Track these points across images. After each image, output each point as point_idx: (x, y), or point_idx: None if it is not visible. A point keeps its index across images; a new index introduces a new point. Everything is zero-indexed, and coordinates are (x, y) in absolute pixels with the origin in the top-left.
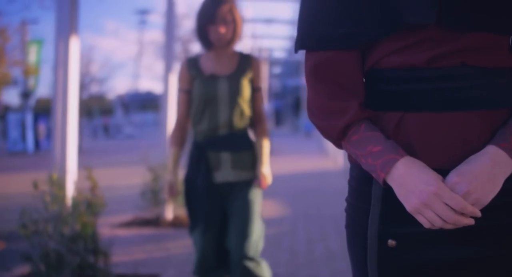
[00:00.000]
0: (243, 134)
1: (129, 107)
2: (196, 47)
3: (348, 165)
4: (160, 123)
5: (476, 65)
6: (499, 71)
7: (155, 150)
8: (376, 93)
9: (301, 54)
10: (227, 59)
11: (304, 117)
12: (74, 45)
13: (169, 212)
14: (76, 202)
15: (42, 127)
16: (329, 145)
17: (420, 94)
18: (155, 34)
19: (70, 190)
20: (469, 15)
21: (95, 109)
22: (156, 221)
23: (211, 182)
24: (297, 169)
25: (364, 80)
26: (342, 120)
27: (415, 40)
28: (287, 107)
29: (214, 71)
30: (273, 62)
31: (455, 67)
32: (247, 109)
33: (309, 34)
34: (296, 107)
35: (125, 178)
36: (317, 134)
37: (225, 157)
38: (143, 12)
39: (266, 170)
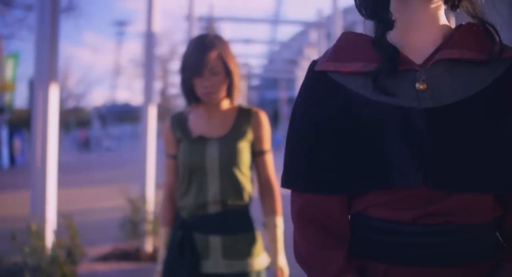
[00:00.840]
0: (239, 212)
1: (106, 119)
2: (175, 65)
3: None
4: (138, 136)
5: (461, 222)
6: (483, 225)
7: (135, 166)
8: (361, 239)
9: (278, 72)
10: (221, 117)
11: (280, 131)
12: (53, 65)
13: (149, 245)
14: (55, 254)
15: (17, 143)
16: None
17: (405, 248)
18: (133, 45)
19: (49, 241)
20: (454, 176)
21: (72, 121)
22: (135, 254)
23: (198, 274)
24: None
25: (350, 223)
26: (327, 273)
27: (401, 196)
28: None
29: (203, 132)
30: (251, 75)
31: (440, 224)
32: (245, 181)
33: (297, 174)
34: (274, 119)
35: (105, 199)
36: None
37: (215, 242)
38: (121, 23)
39: (282, 260)
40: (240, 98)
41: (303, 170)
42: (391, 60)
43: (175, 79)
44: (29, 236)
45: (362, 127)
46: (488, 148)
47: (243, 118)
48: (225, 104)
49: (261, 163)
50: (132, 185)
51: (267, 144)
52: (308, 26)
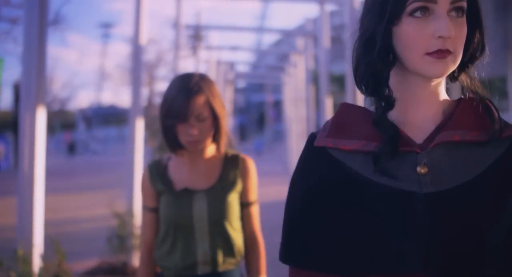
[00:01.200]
0: (230, 272)
1: (92, 121)
2: (161, 72)
3: None
4: (124, 139)
5: None
6: None
7: (121, 171)
8: None
9: (264, 78)
10: (207, 165)
11: (265, 133)
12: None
13: (136, 260)
14: None
15: (0, 147)
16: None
17: None
18: (119, 48)
19: (36, 266)
20: (456, 264)
21: (56, 124)
22: (122, 269)
23: None
24: (263, 199)
25: None
26: None
27: None
28: (251, 122)
29: (188, 183)
30: (237, 78)
31: None
32: (236, 237)
33: (296, 250)
34: (260, 122)
35: (92, 208)
36: (269, 151)
37: None
38: (106, 25)
39: None
40: (227, 101)
41: (302, 247)
42: (392, 142)
43: (162, 86)
44: (16, 261)
45: (362, 207)
46: (490, 233)
47: (231, 165)
48: (211, 150)
49: (247, 216)
50: (119, 192)
51: (254, 194)
52: (289, 34)
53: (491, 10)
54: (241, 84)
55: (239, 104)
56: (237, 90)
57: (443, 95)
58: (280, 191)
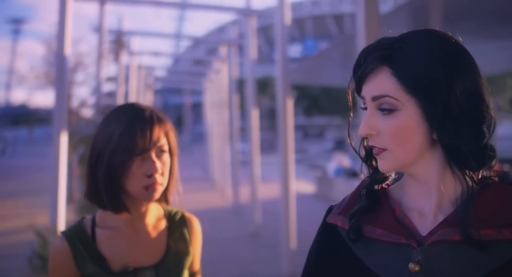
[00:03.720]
0: None
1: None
2: (79, 77)
3: (239, 201)
4: (35, 141)
5: None
6: None
7: (36, 176)
8: None
9: (181, 80)
10: (149, 230)
11: (183, 136)
12: None
13: None
14: None
15: None
16: (215, 173)
17: None
18: (31, 44)
19: None
20: None
21: None
22: None
23: None
24: (187, 207)
25: None
26: None
27: None
28: None
29: (128, 259)
30: (158, 81)
31: None
32: None
33: None
34: (178, 124)
35: (9, 218)
36: (188, 154)
37: None
38: (17, 21)
39: None
40: (146, 103)
41: None
42: (360, 211)
43: (80, 92)
44: None
45: None
46: None
47: (178, 229)
48: (153, 208)
49: None
50: (38, 201)
51: (199, 262)
52: (213, 42)
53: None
54: (158, 85)
55: (156, 106)
56: (155, 92)
57: (463, 181)
58: (203, 198)
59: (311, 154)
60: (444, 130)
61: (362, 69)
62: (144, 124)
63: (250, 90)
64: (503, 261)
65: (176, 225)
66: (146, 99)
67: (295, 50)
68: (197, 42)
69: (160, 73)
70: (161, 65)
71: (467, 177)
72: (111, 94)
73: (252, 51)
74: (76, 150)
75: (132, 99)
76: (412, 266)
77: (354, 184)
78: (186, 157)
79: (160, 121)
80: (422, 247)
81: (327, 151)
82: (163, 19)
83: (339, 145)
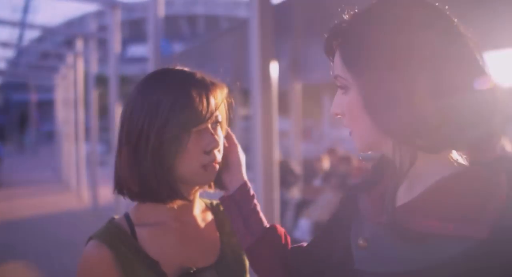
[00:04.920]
0: None
1: None
2: None
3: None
4: None
5: None
6: None
7: None
8: None
9: (27, 74)
10: (199, 222)
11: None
12: None
13: None
14: None
15: None
16: (69, 174)
17: None
18: None
19: None
20: None
21: None
22: None
23: None
24: (34, 211)
25: None
26: None
27: None
28: (11, 122)
29: (183, 259)
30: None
31: None
32: None
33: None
34: (21, 123)
35: None
36: (33, 155)
37: None
38: None
39: None
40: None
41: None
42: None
43: None
44: None
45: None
46: None
47: (226, 223)
48: (197, 198)
49: None
50: None
51: None
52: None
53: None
54: None
55: None
56: None
57: (438, 169)
58: (57, 201)
59: None
60: (374, 113)
61: (327, 49)
62: (199, 88)
63: (113, 87)
64: (443, 258)
65: (223, 217)
66: None
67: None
68: (48, 32)
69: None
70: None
71: (407, 159)
72: None
73: (117, 45)
74: None
75: None
76: (360, 242)
77: None
78: (32, 158)
79: (215, 85)
80: (370, 225)
81: None
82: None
83: None
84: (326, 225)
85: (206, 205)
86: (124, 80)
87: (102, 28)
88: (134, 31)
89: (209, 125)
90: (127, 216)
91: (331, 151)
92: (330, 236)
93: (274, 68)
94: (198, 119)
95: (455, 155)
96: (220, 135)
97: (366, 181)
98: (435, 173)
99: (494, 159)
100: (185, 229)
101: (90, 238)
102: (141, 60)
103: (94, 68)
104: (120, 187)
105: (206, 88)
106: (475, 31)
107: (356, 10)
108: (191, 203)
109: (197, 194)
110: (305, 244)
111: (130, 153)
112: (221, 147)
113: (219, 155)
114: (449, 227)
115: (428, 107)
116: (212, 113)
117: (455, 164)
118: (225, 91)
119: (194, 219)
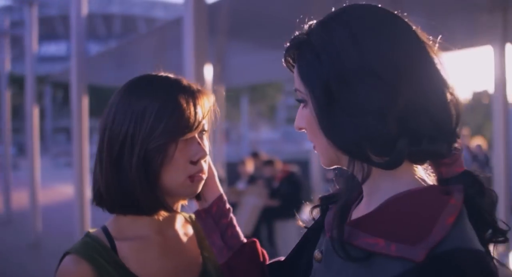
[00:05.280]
0: None
1: None
2: None
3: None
4: None
5: None
6: None
7: None
8: None
9: None
10: (181, 236)
11: None
12: None
13: None
14: None
15: None
16: None
17: None
18: None
19: None
20: None
21: None
22: None
23: None
24: None
25: None
26: None
27: None
28: None
29: (168, 274)
30: None
31: None
32: None
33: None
34: None
35: None
36: None
37: None
38: None
39: None
40: None
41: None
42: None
43: None
44: None
45: None
46: None
47: (199, 232)
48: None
49: None
50: None
51: None
52: None
53: None
54: None
55: None
56: None
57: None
58: None
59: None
60: (327, 129)
61: (286, 61)
62: (186, 96)
63: (29, 87)
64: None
65: (194, 225)
66: None
67: (58, 49)
68: None
69: None
70: None
71: (360, 176)
72: None
73: (34, 43)
74: None
75: None
76: (316, 254)
77: None
78: None
79: (201, 92)
80: (326, 239)
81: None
82: None
83: None
84: (302, 238)
85: (186, 219)
86: (39, 80)
87: (14, 25)
88: (45, 29)
89: (196, 134)
90: (105, 230)
91: (254, 155)
92: (304, 249)
93: (208, 70)
94: (186, 128)
95: (420, 172)
96: (207, 144)
97: (335, 194)
98: (392, 189)
99: (458, 174)
100: (167, 243)
101: (67, 253)
102: (53, 59)
103: (7, 67)
104: (100, 199)
105: (192, 95)
106: (435, 33)
107: (314, 21)
108: (173, 216)
109: (179, 206)
110: (282, 258)
111: (112, 163)
112: (208, 157)
113: (205, 166)
114: (392, 247)
115: (382, 121)
116: (199, 122)
117: (415, 181)
118: (211, 98)
119: (176, 233)
